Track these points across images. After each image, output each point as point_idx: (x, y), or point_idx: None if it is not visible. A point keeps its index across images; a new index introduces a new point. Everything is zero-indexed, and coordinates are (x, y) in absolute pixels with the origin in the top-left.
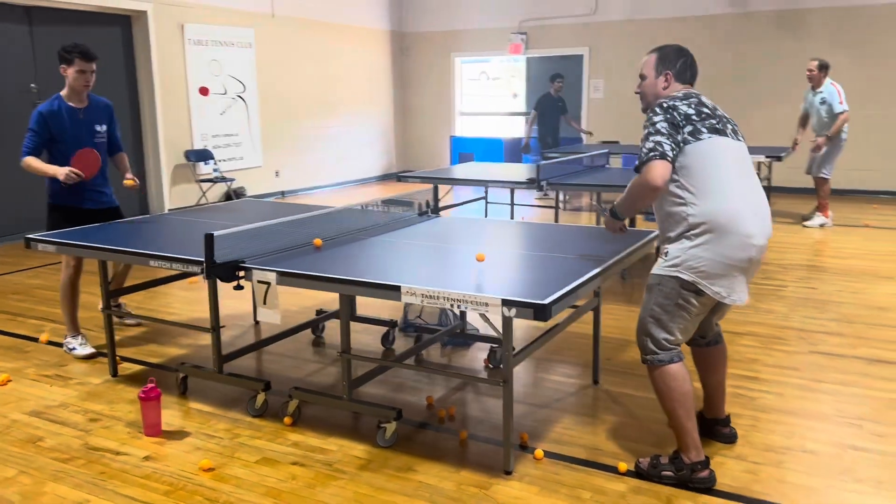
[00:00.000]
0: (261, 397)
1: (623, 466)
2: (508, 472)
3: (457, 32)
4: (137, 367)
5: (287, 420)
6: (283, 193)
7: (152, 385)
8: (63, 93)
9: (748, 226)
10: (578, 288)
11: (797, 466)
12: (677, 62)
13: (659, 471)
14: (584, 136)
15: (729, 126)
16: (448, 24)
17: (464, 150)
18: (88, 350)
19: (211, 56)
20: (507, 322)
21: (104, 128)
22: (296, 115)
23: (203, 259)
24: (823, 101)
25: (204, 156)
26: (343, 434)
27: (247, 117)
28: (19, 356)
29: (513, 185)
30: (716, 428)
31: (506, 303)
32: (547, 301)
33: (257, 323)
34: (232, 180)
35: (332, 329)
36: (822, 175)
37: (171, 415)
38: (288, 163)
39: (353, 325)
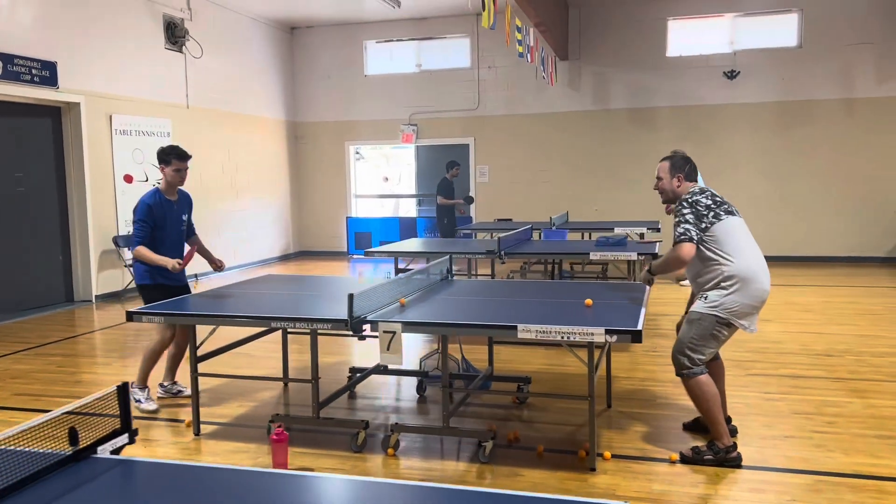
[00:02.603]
0: (361, 435)
1: (674, 457)
2: (593, 469)
3: (351, 122)
4: (212, 427)
5: (390, 451)
6: (196, 276)
7: (281, 429)
8: (161, 187)
9: (762, 278)
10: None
11: (782, 446)
12: (685, 167)
13: (701, 456)
14: (464, 206)
15: (733, 207)
16: (342, 115)
17: (360, 229)
18: (153, 406)
19: (134, 145)
20: (591, 350)
21: (187, 217)
22: (208, 200)
23: (331, 317)
24: None
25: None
26: (440, 457)
27: None
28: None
29: (474, 255)
30: None
31: (608, 331)
32: (639, 328)
33: (279, 385)
34: None
35: (364, 383)
36: None
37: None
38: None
39: (385, 378)
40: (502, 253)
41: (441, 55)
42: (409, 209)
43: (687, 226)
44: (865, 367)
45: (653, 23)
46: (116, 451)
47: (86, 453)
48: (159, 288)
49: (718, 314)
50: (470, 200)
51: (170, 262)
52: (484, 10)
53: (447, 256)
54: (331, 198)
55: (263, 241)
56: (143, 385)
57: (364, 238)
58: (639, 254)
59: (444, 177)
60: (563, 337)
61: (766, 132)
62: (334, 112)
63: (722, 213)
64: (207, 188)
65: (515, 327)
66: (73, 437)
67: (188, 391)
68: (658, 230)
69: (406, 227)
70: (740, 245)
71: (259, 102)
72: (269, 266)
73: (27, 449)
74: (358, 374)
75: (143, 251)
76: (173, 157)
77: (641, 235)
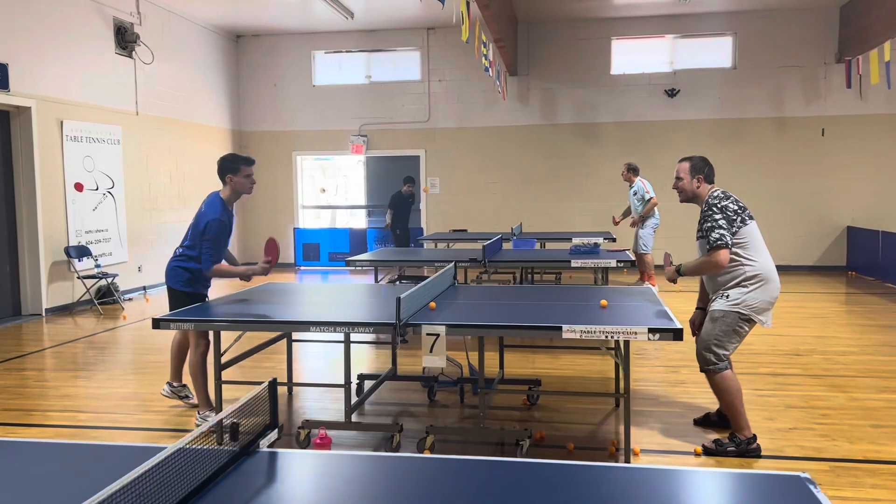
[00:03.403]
0: (397, 437)
1: (698, 450)
2: (628, 463)
3: (298, 133)
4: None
5: (426, 452)
6: (144, 289)
7: (324, 433)
8: (224, 196)
9: (776, 277)
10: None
11: (791, 437)
12: (705, 169)
13: (724, 448)
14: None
15: (750, 211)
16: (289, 125)
17: (308, 241)
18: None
19: (85, 152)
20: (626, 346)
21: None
22: (157, 210)
23: (378, 322)
24: (635, 193)
25: (83, 252)
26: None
27: (115, 213)
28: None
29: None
30: None
31: (651, 330)
32: (679, 326)
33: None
34: (115, 275)
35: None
36: (641, 251)
37: None
38: (149, 257)
39: (397, 384)
40: (486, 261)
41: (391, 67)
42: (358, 221)
43: (721, 231)
44: (835, 365)
45: (597, 42)
46: (270, 445)
47: (250, 448)
48: (195, 297)
49: (741, 311)
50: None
51: (259, 267)
52: (463, 23)
53: (452, 264)
54: (277, 209)
55: None
56: (211, 406)
57: (312, 249)
58: (618, 261)
59: (399, 190)
60: (606, 336)
61: (704, 148)
62: (281, 122)
63: (745, 217)
64: (155, 199)
65: (560, 328)
66: (234, 433)
67: (195, 399)
68: (614, 240)
69: (356, 239)
70: (760, 247)
71: (205, 111)
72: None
73: (203, 447)
74: (365, 381)
75: (220, 268)
76: (242, 164)
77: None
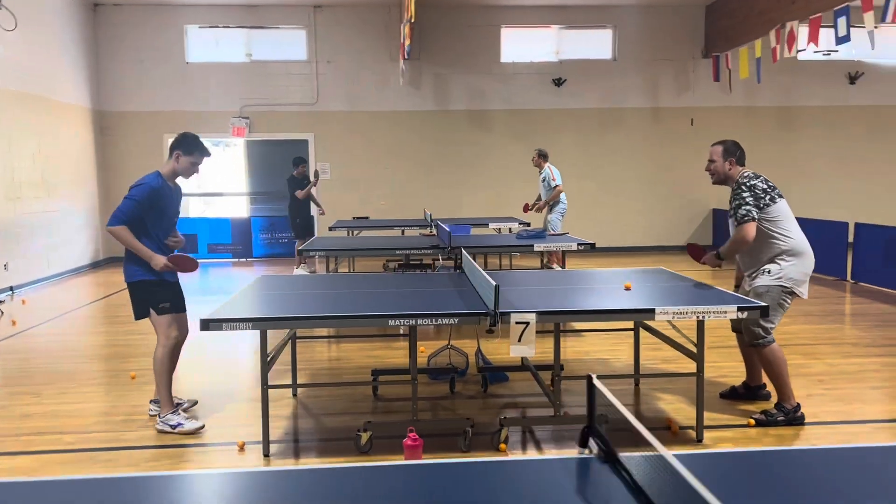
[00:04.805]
0: (469, 432)
1: (751, 421)
2: (700, 440)
3: (170, 113)
4: (278, 446)
5: (502, 447)
6: (12, 289)
7: (414, 433)
8: (164, 172)
9: (810, 251)
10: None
11: (815, 403)
12: (737, 152)
13: (774, 417)
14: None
15: (780, 191)
16: (159, 105)
17: (185, 231)
18: (196, 423)
19: None
20: (701, 329)
21: (178, 209)
22: (22, 198)
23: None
24: (544, 179)
25: None
26: (556, 445)
27: None
28: (146, 465)
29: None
30: (757, 391)
31: (740, 308)
32: (764, 304)
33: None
34: None
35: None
36: (550, 234)
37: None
38: (17, 252)
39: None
40: (450, 247)
41: (275, 46)
42: (239, 209)
43: (748, 207)
44: (787, 335)
45: (488, 29)
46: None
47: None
48: (163, 284)
49: (783, 284)
50: (317, 175)
51: (159, 260)
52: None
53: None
54: None
55: (76, 246)
56: (173, 405)
57: (190, 241)
58: (578, 244)
59: (292, 174)
60: (698, 317)
61: (589, 136)
62: (149, 101)
63: (776, 195)
64: (19, 184)
65: (653, 310)
66: (583, 440)
67: (186, 403)
68: (528, 225)
69: (239, 229)
70: (792, 223)
71: (66, 87)
72: (82, 275)
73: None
74: (379, 377)
75: (124, 232)
76: (197, 151)
77: (510, 230)
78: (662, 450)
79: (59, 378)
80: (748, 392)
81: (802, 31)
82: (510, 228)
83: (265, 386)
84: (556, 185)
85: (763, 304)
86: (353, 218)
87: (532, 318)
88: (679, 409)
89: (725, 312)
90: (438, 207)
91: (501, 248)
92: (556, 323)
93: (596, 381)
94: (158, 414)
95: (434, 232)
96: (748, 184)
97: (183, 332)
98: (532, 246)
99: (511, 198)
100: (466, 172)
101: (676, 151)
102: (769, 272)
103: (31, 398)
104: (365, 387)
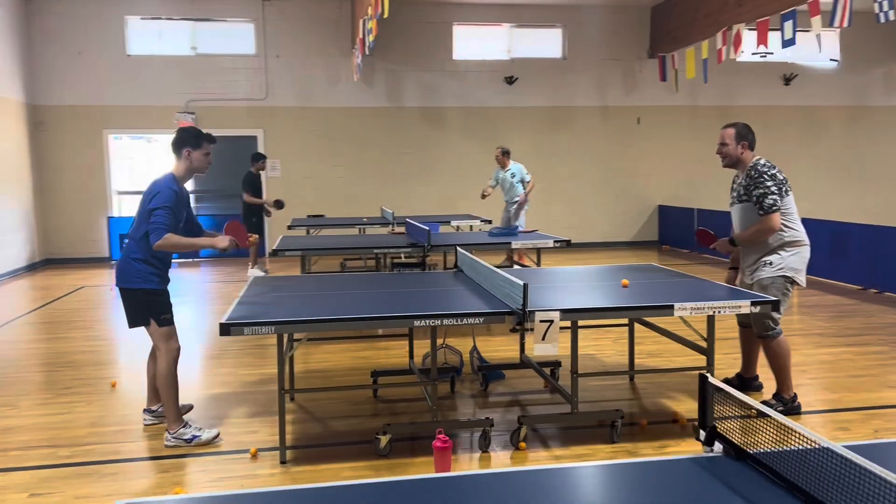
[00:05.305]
0: (488, 432)
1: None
2: None
3: (110, 108)
4: (293, 452)
5: (522, 445)
6: None
7: (444, 435)
8: (176, 173)
9: (808, 242)
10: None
11: (803, 393)
12: (748, 136)
13: (774, 408)
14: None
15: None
16: (98, 99)
17: (125, 231)
18: (214, 431)
19: None
20: (712, 323)
21: (191, 211)
22: None
23: (504, 308)
24: (514, 175)
25: None
26: (571, 442)
27: None
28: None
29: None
30: (751, 382)
31: (753, 303)
32: (776, 299)
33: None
34: None
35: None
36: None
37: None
38: None
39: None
40: (430, 245)
41: (222, 39)
42: None
43: (774, 196)
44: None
45: (440, 26)
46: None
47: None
48: (156, 295)
49: (786, 274)
50: (280, 205)
51: (223, 241)
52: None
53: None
54: (86, 195)
55: (11, 248)
56: (182, 419)
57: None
58: (555, 241)
59: (249, 170)
60: (714, 312)
61: (540, 134)
62: (87, 95)
63: (788, 187)
64: None
65: (672, 306)
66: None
67: (182, 409)
68: (489, 222)
69: None
70: (796, 215)
71: None
72: (18, 279)
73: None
74: (379, 378)
75: (174, 237)
76: (205, 141)
77: (471, 227)
78: (827, 443)
79: (33, 388)
80: (742, 383)
81: (747, 34)
82: (471, 226)
83: (282, 391)
84: (530, 179)
85: (773, 298)
86: (308, 216)
87: (556, 316)
88: (680, 402)
89: (740, 307)
90: (391, 205)
91: (489, 246)
92: (573, 320)
93: (711, 379)
94: (167, 430)
95: (402, 230)
96: (769, 172)
97: (178, 343)
98: (510, 243)
99: (464, 195)
100: (419, 169)
101: (624, 149)
102: (771, 263)
103: (8, 410)
104: (364, 389)
